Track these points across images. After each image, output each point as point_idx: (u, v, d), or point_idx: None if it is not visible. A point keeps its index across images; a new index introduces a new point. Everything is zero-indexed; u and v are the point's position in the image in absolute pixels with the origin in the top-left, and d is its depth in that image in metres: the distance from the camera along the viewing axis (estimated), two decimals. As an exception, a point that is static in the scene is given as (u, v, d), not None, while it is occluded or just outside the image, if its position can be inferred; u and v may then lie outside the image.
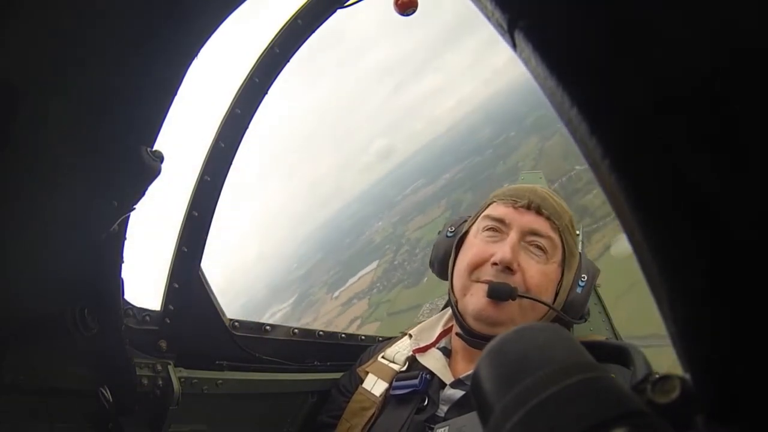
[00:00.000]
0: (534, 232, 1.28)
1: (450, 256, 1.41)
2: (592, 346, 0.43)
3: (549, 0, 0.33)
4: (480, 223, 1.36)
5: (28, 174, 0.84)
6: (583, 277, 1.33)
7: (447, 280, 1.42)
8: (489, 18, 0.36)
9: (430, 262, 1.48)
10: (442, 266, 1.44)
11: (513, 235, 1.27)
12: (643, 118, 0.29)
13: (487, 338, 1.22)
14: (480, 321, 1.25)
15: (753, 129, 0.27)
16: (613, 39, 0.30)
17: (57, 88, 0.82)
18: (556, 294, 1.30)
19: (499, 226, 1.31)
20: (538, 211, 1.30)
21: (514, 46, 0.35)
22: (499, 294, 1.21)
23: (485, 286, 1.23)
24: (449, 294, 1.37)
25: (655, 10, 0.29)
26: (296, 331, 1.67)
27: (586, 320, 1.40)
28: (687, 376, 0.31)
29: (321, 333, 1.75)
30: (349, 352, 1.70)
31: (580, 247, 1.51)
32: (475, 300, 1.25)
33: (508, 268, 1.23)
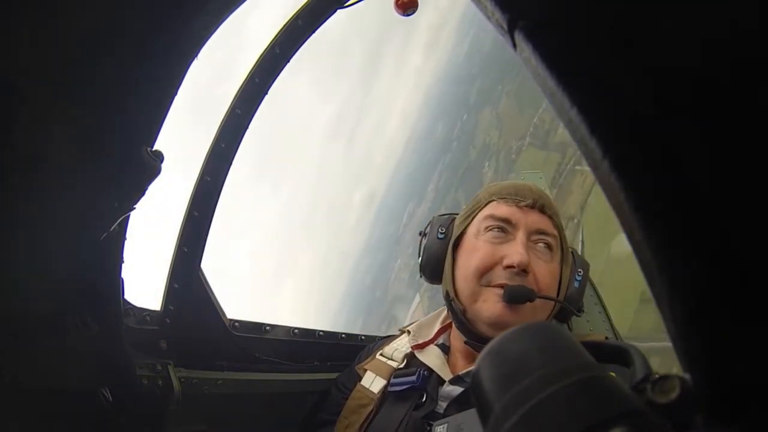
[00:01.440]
0: (540, 231, 1.27)
1: (444, 260, 1.35)
2: (592, 346, 0.43)
3: (549, 0, 0.33)
4: (481, 223, 1.30)
5: (29, 174, 0.84)
6: (580, 272, 1.34)
7: (440, 283, 1.37)
8: (489, 18, 0.36)
9: (420, 267, 1.40)
10: (436, 270, 1.37)
11: (522, 236, 1.24)
12: (643, 118, 0.29)
13: None
14: (496, 327, 1.20)
15: (753, 129, 0.27)
16: (612, 39, 0.30)
17: (57, 89, 0.81)
18: (559, 289, 1.31)
19: (505, 226, 1.27)
20: (542, 210, 1.29)
21: (514, 46, 0.35)
22: (518, 297, 1.18)
23: (499, 291, 1.20)
24: (451, 300, 1.30)
25: (654, 10, 0.29)
26: (296, 331, 1.67)
27: (582, 311, 1.41)
28: (687, 376, 0.31)
29: (321, 333, 1.75)
30: (349, 352, 1.70)
31: (580, 249, 1.52)
32: (489, 306, 1.21)
33: (523, 271, 1.20)
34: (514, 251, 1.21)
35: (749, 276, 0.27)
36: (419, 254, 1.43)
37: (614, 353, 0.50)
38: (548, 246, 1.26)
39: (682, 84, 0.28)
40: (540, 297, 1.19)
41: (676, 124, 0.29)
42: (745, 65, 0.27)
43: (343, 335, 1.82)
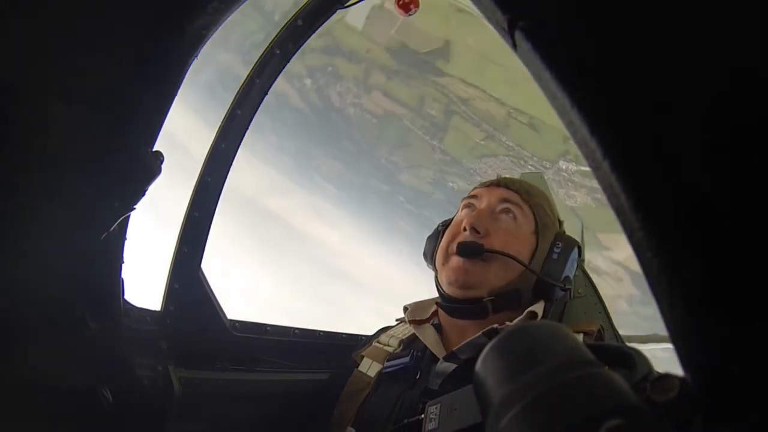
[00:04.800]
0: (503, 200, 1.37)
1: (438, 243, 1.49)
2: (595, 348, 0.43)
3: (549, 0, 0.33)
4: (460, 207, 1.48)
5: (29, 175, 0.84)
6: (558, 244, 1.38)
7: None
8: (489, 18, 0.36)
9: (424, 254, 1.56)
10: (432, 253, 1.52)
11: (482, 206, 1.38)
12: (642, 118, 0.29)
13: (461, 302, 1.30)
14: (453, 285, 1.30)
15: (753, 129, 0.27)
16: (612, 39, 0.30)
17: (57, 89, 0.82)
18: (531, 259, 1.35)
19: (472, 202, 1.43)
20: (507, 186, 1.42)
21: (514, 46, 0.35)
22: (467, 250, 1.28)
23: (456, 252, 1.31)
24: (436, 272, 1.43)
25: (654, 11, 0.29)
26: (296, 331, 1.67)
27: (569, 289, 1.42)
28: (686, 376, 0.31)
29: (321, 333, 1.75)
30: (349, 352, 1.70)
31: (585, 263, 1.59)
32: (449, 266, 1.33)
33: (475, 230, 1.30)
34: (468, 216, 1.35)
35: (749, 276, 0.27)
36: None
37: (616, 356, 0.50)
38: (510, 212, 1.36)
39: (682, 84, 0.28)
40: (487, 251, 1.27)
41: (677, 125, 0.29)
42: (746, 64, 0.27)
43: (344, 335, 1.83)
